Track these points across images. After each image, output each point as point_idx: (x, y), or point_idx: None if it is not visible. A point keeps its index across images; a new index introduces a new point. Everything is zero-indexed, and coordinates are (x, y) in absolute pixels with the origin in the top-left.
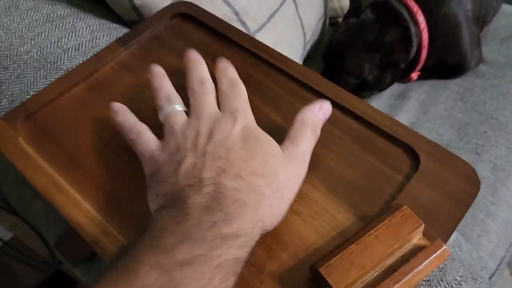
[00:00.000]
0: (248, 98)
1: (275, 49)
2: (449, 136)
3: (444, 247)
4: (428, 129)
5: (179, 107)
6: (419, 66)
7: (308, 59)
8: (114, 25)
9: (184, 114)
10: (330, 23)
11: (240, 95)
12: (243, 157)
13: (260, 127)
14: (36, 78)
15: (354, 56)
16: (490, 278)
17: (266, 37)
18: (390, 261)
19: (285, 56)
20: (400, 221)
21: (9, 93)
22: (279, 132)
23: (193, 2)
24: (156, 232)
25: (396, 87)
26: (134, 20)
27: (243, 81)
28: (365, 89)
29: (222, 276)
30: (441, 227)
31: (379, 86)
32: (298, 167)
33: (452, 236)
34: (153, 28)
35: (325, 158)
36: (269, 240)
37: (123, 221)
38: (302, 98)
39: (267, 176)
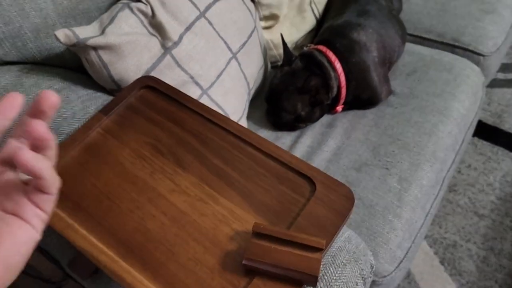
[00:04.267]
0: (201, 149)
1: (225, 98)
2: (365, 156)
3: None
4: (350, 151)
5: None
6: (342, 101)
7: (254, 100)
8: (98, 93)
9: None
10: (272, 66)
11: None
12: None
13: (205, 169)
14: None
15: (288, 98)
16: (399, 264)
17: (216, 91)
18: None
19: (224, 116)
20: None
21: None
22: (221, 172)
23: (158, 70)
24: None
25: (325, 118)
26: (113, 89)
27: (193, 137)
28: (300, 122)
29: None
30: (327, 231)
31: (311, 119)
32: None
33: (345, 233)
34: (126, 99)
35: (252, 189)
36: (208, 243)
37: (118, 245)
38: (237, 147)
39: None
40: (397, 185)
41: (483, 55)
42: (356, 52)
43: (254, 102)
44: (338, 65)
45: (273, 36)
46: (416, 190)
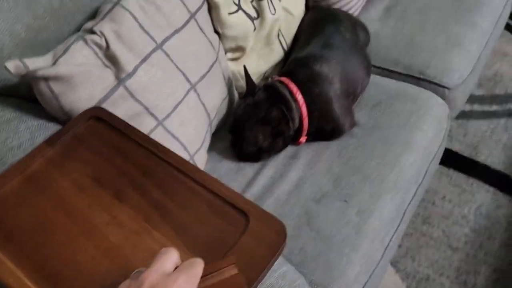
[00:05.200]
0: (141, 181)
1: (181, 128)
2: (327, 188)
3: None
4: (311, 182)
5: None
6: (305, 132)
7: (218, 131)
8: (50, 124)
9: None
10: (240, 97)
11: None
12: None
13: (144, 201)
14: None
15: (250, 129)
16: None
17: (172, 122)
18: None
19: (168, 149)
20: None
21: None
22: (159, 205)
23: (111, 101)
24: None
25: (289, 149)
26: (65, 119)
27: (135, 168)
28: (262, 152)
29: None
30: (256, 265)
31: (273, 150)
32: None
33: (281, 269)
34: (74, 129)
35: (188, 222)
36: None
37: (44, 281)
38: (178, 180)
39: None
40: (355, 217)
41: (448, 88)
42: (318, 83)
43: (218, 133)
44: (299, 97)
45: (240, 68)
46: (376, 221)
